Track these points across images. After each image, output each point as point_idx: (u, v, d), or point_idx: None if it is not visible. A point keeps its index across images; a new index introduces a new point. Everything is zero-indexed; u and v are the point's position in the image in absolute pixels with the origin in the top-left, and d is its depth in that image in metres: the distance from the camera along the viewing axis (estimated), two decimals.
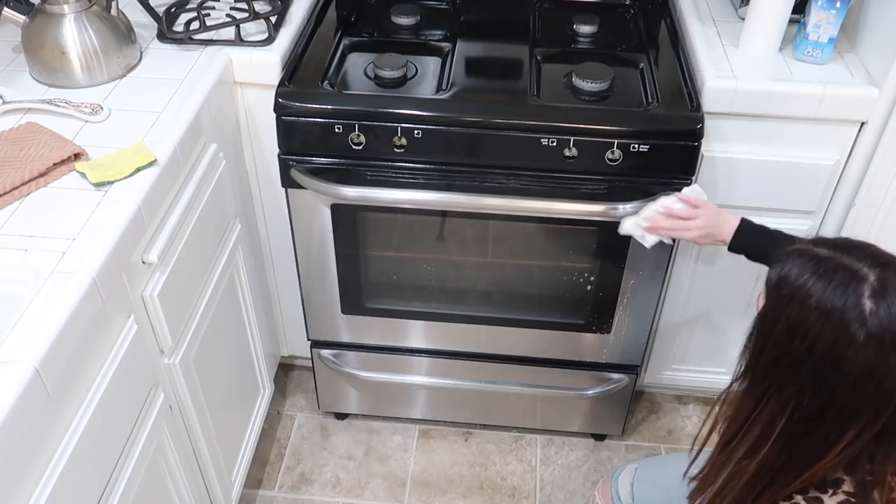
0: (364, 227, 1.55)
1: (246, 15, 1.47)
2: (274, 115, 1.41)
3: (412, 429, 1.94)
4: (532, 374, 1.75)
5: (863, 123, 1.41)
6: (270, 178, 1.58)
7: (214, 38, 1.46)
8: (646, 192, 1.41)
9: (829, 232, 1.54)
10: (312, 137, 1.42)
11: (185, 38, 1.47)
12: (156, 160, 1.18)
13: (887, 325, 0.79)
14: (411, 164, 1.43)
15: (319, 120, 1.40)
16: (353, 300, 1.66)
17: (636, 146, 1.36)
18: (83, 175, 1.14)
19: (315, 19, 1.62)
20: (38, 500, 0.90)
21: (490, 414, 1.88)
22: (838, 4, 1.36)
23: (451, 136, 1.39)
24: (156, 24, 1.51)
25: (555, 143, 1.37)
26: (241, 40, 1.45)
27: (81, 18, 1.33)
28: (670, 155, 1.38)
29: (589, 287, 1.59)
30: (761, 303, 0.91)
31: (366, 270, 1.62)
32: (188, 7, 1.56)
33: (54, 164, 1.15)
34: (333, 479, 1.83)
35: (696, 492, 0.99)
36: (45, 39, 1.32)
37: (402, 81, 1.46)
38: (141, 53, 1.45)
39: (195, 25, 1.47)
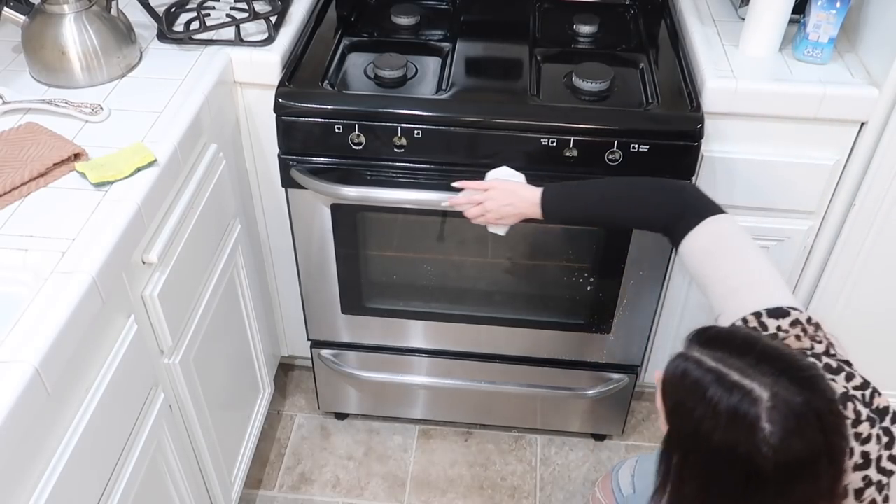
0: (364, 227, 1.55)
1: (246, 15, 1.47)
2: (274, 115, 1.41)
3: (412, 429, 1.94)
4: (532, 374, 1.75)
5: (863, 123, 1.41)
6: (270, 178, 1.58)
7: (214, 38, 1.46)
8: None
9: (829, 232, 1.55)
10: (312, 137, 1.42)
11: (185, 38, 1.47)
12: (156, 160, 1.18)
13: (788, 448, 0.76)
14: (411, 164, 1.43)
15: (319, 120, 1.40)
16: (353, 300, 1.66)
17: (636, 146, 1.36)
18: (83, 175, 1.14)
19: (315, 19, 1.62)
20: (38, 500, 0.90)
21: (490, 414, 1.88)
22: (838, 4, 1.36)
23: (451, 136, 1.39)
24: (156, 24, 1.51)
25: (555, 143, 1.37)
26: (241, 40, 1.45)
27: (81, 18, 1.33)
28: (670, 155, 1.38)
29: (589, 287, 1.59)
30: (658, 375, 0.88)
31: (366, 270, 1.62)
32: (188, 7, 1.56)
33: (54, 164, 1.15)
34: (333, 479, 1.83)
35: None
36: (45, 39, 1.32)
37: (402, 81, 1.46)
38: (141, 53, 1.45)
39: (195, 25, 1.47)
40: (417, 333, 1.72)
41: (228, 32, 1.46)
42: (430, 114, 1.38)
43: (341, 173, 1.44)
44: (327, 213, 1.51)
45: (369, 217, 1.54)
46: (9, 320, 0.92)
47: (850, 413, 0.87)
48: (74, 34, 1.32)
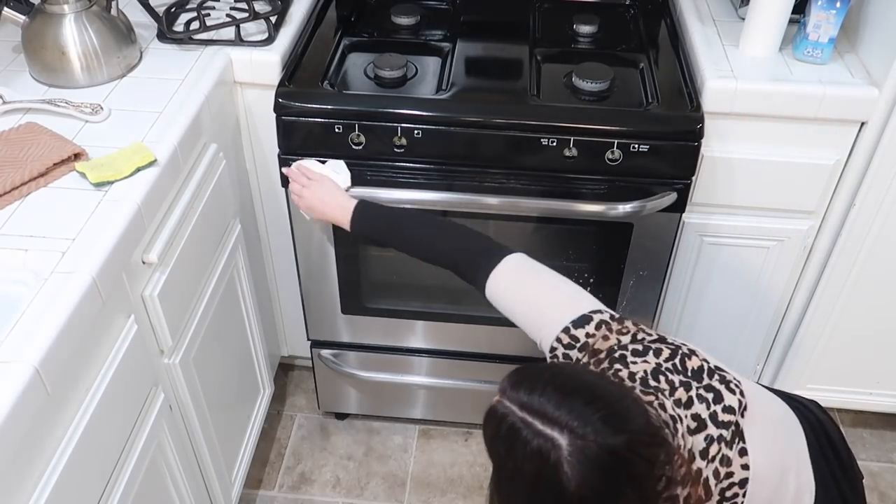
0: None
1: (246, 15, 1.47)
2: (274, 114, 1.41)
3: (412, 429, 1.94)
4: None
5: (863, 123, 1.41)
6: (270, 178, 1.58)
7: (214, 38, 1.46)
8: (646, 192, 1.41)
9: (829, 232, 1.55)
10: (312, 137, 1.42)
11: (185, 38, 1.47)
12: (156, 160, 1.18)
13: (588, 488, 0.80)
14: (411, 164, 1.43)
15: (319, 120, 1.40)
16: (353, 300, 1.66)
17: (636, 146, 1.36)
18: (83, 175, 1.14)
19: (315, 19, 1.62)
20: (38, 500, 0.90)
21: None
22: (838, 4, 1.36)
23: (451, 136, 1.39)
24: (156, 24, 1.51)
25: (555, 143, 1.37)
26: (241, 40, 1.45)
27: (81, 18, 1.33)
28: (670, 155, 1.38)
29: (589, 287, 1.58)
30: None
31: (366, 270, 1.62)
32: (188, 7, 1.56)
33: (54, 164, 1.15)
34: (333, 479, 1.83)
35: None
36: (45, 39, 1.32)
37: (402, 81, 1.46)
38: (141, 53, 1.45)
39: (195, 25, 1.47)
40: (417, 333, 1.72)
41: (228, 32, 1.46)
42: (430, 114, 1.38)
43: None
44: None
45: None
46: (9, 320, 0.92)
47: (664, 385, 0.94)
48: (74, 34, 1.32)
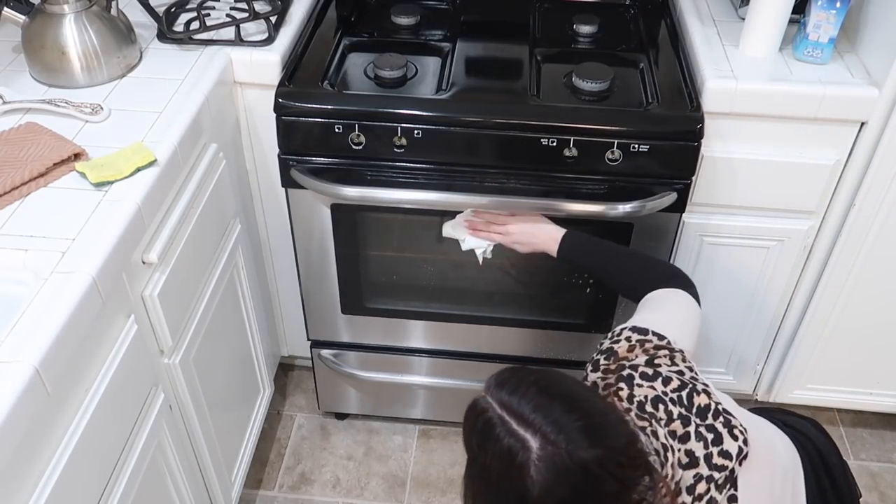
0: (364, 227, 1.55)
1: (246, 15, 1.47)
2: (274, 115, 1.41)
3: (412, 429, 1.94)
4: None
5: (863, 123, 1.41)
6: (270, 178, 1.58)
7: (214, 38, 1.46)
8: (646, 192, 1.41)
9: (829, 232, 1.55)
10: (312, 137, 1.42)
11: (185, 38, 1.47)
12: (156, 160, 1.18)
13: (550, 494, 0.81)
14: (411, 164, 1.43)
15: (319, 120, 1.40)
16: (353, 300, 1.66)
17: (636, 146, 1.36)
18: (83, 175, 1.14)
19: (315, 19, 1.62)
20: (39, 500, 0.90)
21: None
22: (838, 4, 1.36)
23: (451, 136, 1.39)
24: (156, 24, 1.51)
25: (555, 143, 1.37)
26: (241, 40, 1.45)
27: (81, 18, 1.33)
28: (670, 155, 1.38)
29: (588, 287, 1.59)
30: None
31: (366, 270, 1.62)
32: (188, 7, 1.56)
33: (54, 164, 1.15)
34: (333, 479, 1.83)
35: None
36: (45, 39, 1.32)
37: (402, 81, 1.46)
38: (141, 53, 1.45)
39: (195, 25, 1.47)
40: (417, 333, 1.72)
41: (228, 32, 1.46)
42: (430, 114, 1.38)
43: (341, 173, 1.44)
44: (327, 213, 1.51)
45: (369, 217, 1.54)
46: (9, 320, 0.92)
47: (661, 413, 0.94)
48: (74, 34, 1.32)
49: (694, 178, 1.45)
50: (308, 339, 1.77)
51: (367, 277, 1.63)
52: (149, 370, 1.17)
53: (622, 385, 0.98)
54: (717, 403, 0.97)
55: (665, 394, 0.96)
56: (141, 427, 1.15)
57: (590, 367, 1.06)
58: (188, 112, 1.29)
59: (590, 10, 1.68)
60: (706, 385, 1.00)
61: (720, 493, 0.92)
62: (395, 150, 1.41)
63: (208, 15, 1.49)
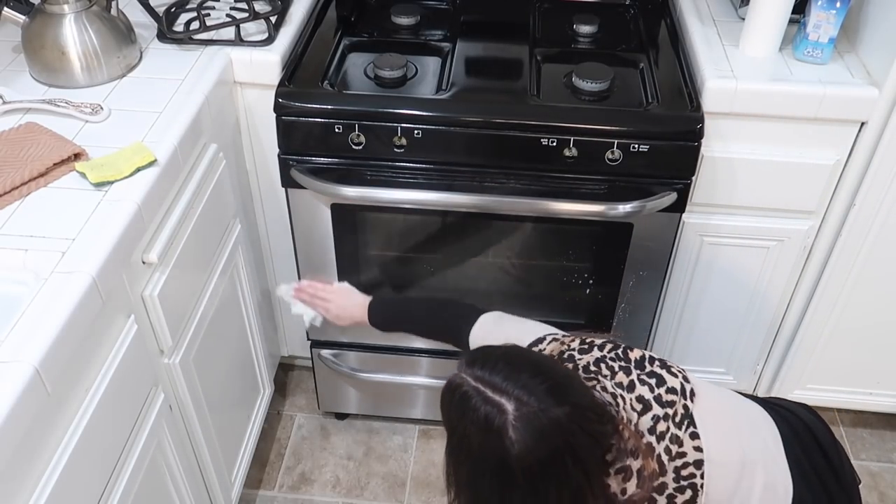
0: (364, 227, 1.55)
1: (246, 15, 1.47)
2: (274, 115, 1.41)
3: (412, 429, 1.94)
4: None
5: (863, 123, 1.41)
6: (270, 178, 1.58)
7: (214, 38, 1.46)
8: (646, 192, 1.41)
9: (829, 232, 1.55)
10: (312, 137, 1.42)
11: (185, 38, 1.47)
12: (156, 160, 1.18)
13: (529, 451, 0.85)
14: (411, 164, 1.43)
15: (319, 120, 1.40)
16: None
17: (636, 146, 1.36)
18: (83, 175, 1.14)
19: (315, 19, 1.62)
20: (39, 500, 0.90)
21: None
22: (838, 4, 1.36)
23: (451, 136, 1.39)
24: (156, 24, 1.51)
25: (555, 143, 1.37)
26: (241, 40, 1.45)
27: (81, 18, 1.33)
28: (670, 155, 1.38)
29: (588, 288, 1.59)
30: None
31: (366, 270, 1.62)
32: (188, 7, 1.56)
33: (54, 164, 1.15)
34: (333, 479, 1.83)
35: None
36: (45, 39, 1.32)
37: (402, 81, 1.46)
38: (141, 53, 1.45)
39: (195, 25, 1.47)
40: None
41: (228, 32, 1.46)
42: (430, 114, 1.38)
43: (341, 173, 1.44)
44: (327, 213, 1.51)
45: (369, 217, 1.54)
46: (9, 320, 0.92)
47: (605, 370, 1.02)
48: (74, 34, 1.32)
49: (694, 178, 1.45)
50: (308, 339, 1.77)
51: (367, 277, 1.63)
52: (149, 370, 1.17)
53: (566, 364, 1.05)
54: (648, 353, 1.06)
55: (603, 356, 1.04)
56: (141, 427, 1.15)
57: None
58: (188, 112, 1.29)
59: (590, 10, 1.68)
60: (621, 344, 1.09)
61: (680, 429, 0.98)
62: (395, 150, 1.41)
63: (208, 15, 1.49)
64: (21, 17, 1.34)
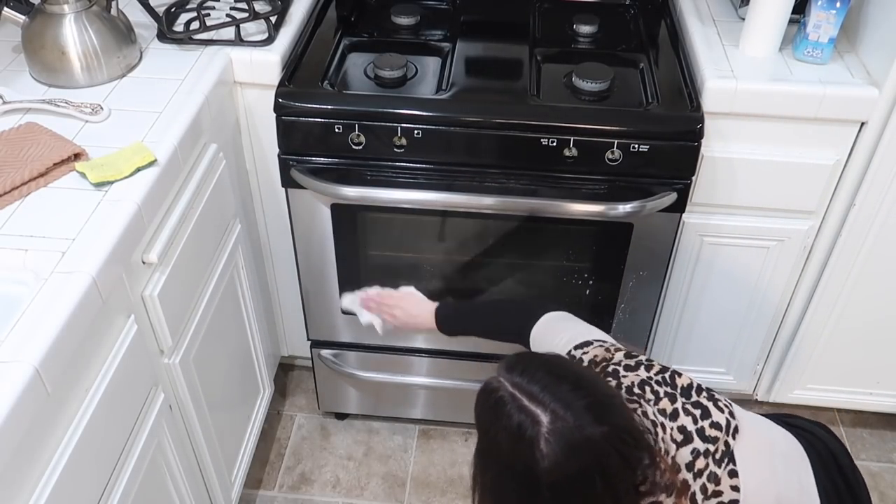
0: (364, 227, 1.55)
1: (246, 15, 1.47)
2: (274, 115, 1.41)
3: (412, 429, 1.94)
4: None
5: (863, 123, 1.41)
6: (270, 178, 1.58)
7: (214, 38, 1.46)
8: (646, 192, 1.41)
9: (829, 232, 1.55)
10: (312, 137, 1.42)
11: (185, 38, 1.47)
12: (156, 160, 1.18)
13: (559, 467, 0.83)
14: (411, 164, 1.43)
15: (319, 120, 1.40)
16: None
17: (636, 146, 1.36)
18: (83, 175, 1.14)
19: (315, 19, 1.62)
20: (39, 500, 0.90)
21: None
22: (838, 4, 1.36)
23: (451, 136, 1.39)
24: (156, 24, 1.51)
25: (555, 143, 1.37)
26: (241, 40, 1.45)
27: (81, 18, 1.33)
28: (670, 155, 1.38)
29: (588, 288, 1.59)
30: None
31: (366, 270, 1.62)
32: (188, 7, 1.56)
33: (54, 164, 1.15)
34: (333, 479, 1.83)
35: None
36: (45, 39, 1.32)
37: (402, 81, 1.46)
38: (141, 53, 1.45)
39: (195, 25, 1.47)
40: (417, 333, 1.72)
41: (228, 32, 1.46)
42: (430, 114, 1.38)
43: (341, 173, 1.44)
44: (327, 213, 1.51)
45: (369, 217, 1.54)
46: (9, 320, 0.92)
47: (649, 395, 0.98)
48: (74, 34, 1.32)
49: (694, 178, 1.45)
50: (308, 339, 1.77)
51: (367, 277, 1.63)
52: (149, 370, 1.17)
53: (610, 379, 1.02)
54: (697, 382, 1.02)
55: (650, 378, 1.00)
56: (141, 427, 1.15)
57: None
58: (188, 112, 1.29)
59: (590, 10, 1.68)
60: (669, 368, 1.05)
61: (719, 467, 0.94)
62: (395, 150, 1.41)
63: (208, 15, 1.49)
64: (21, 17, 1.34)
